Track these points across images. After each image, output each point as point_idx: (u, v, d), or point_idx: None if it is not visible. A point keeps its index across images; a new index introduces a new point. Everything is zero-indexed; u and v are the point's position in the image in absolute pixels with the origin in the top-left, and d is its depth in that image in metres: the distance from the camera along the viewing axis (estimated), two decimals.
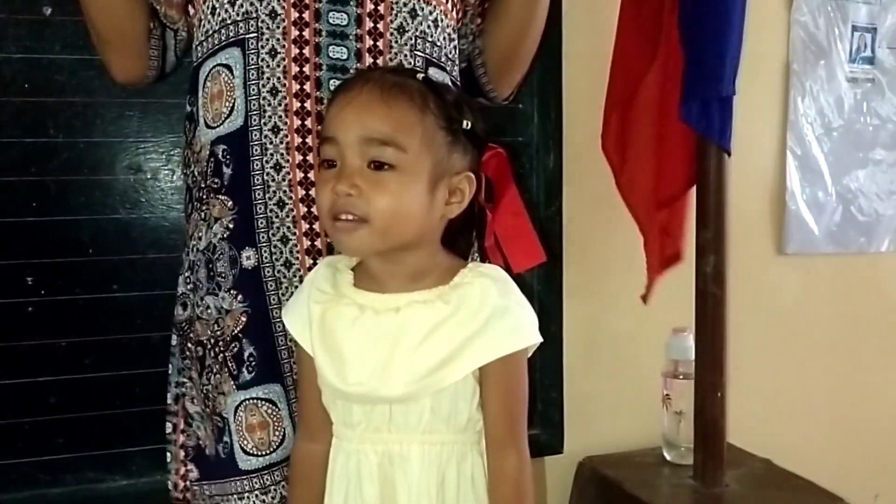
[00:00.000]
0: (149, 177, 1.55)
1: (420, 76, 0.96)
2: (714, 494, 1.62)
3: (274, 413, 1.09)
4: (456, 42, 1.19)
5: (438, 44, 1.13)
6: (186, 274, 1.17)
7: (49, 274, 1.49)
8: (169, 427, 1.23)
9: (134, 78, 1.23)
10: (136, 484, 1.56)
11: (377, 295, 0.95)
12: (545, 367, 1.81)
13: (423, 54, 1.12)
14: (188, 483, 1.18)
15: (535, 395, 1.81)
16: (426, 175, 0.92)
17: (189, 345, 1.16)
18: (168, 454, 1.24)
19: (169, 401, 1.23)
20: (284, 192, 1.07)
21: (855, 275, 2.06)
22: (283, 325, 1.06)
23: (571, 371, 1.82)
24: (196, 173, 1.14)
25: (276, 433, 1.09)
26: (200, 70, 1.11)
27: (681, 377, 1.75)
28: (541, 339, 0.96)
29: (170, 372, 1.23)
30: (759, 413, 1.88)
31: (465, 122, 0.94)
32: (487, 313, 0.93)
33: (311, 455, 1.02)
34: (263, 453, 1.09)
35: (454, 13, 1.17)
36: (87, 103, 1.50)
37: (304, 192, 1.07)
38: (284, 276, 1.08)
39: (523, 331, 0.95)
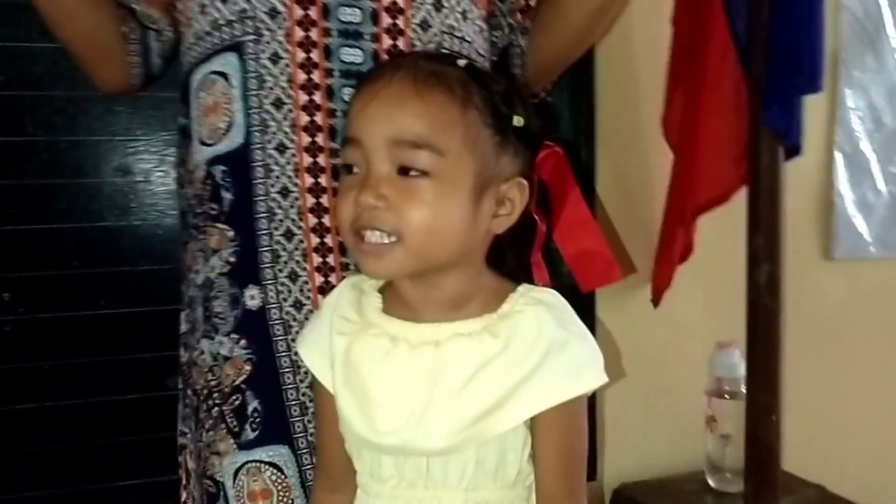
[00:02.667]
0: (139, 179, 1.42)
1: (462, 63, 0.80)
2: None
3: (279, 481, 0.93)
4: (486, 34, 1.03)
5: (468, 39, 0.98)
6: (186, 311, 1.02)
7: (28, 289, 1.37)
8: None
9: (118, 88, 1.07)
10: None
11: (412, 325, 0.80)
12: None
13: (450, 52, 0.96)
14: None
15: None
16: (468, 183, 0.76)
17: (189, 391, 1.01)
18: None
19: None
20: (293, 220, 0.92)
21: None
22: (293, 376, 0.92)
23: (606, 390, 1.68)
24: (191, 196, 0.98)
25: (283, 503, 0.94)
26: (191, 78, 0.96)
27: (727, 396, 1.61)
28: (606, 380, 0.80)
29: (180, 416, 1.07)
30: (807, 434, 1.74)
31: (515, 119, 0.79)
32: (543, 349, 0.78)
33: None
34: None
35: (485, 1, 1.02)
36: (70, 98, 1.37)
37: (315, 221, 0.92)
38: (294, 319, 0.93)
39: (585, 371, 0.79)
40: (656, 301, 1.61)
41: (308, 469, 0.93)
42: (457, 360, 0.78)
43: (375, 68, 0.87)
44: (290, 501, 0.94)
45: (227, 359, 0.94)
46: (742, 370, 1.57)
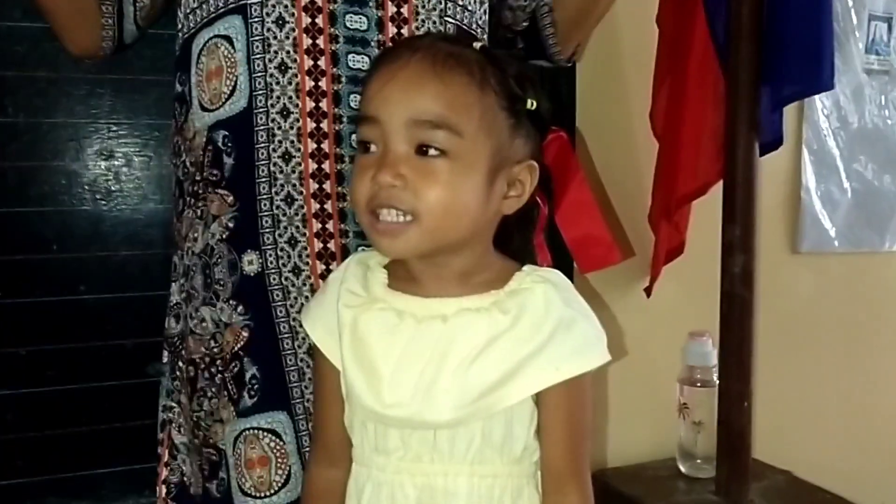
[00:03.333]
0: (122, 164, 1.40)
1: (478, 45, 0.81)
2: None
3: (277, 447, 0.93)
4: (486, 6, 1.04)
5: (470, 8, 0.99)
6: (181, 281, 1.00)
7: (7, 273, 1.35)
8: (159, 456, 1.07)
9: (87, 51, 1.04)
10: None
11: (419, 299, 0.81)
12: None
13: (453, 20, 0.98)
14: None
15: None
16: (484, 164, 0.77)
17: (180, 363, 1.00)
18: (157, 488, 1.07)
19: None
20: (294, 185, 0.92)
21: (869, 274, 1.98)
22: (292, 342, 0.92)
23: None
24: (189, 164, 0.97)
25: (280, 471, 0.94)
26: (193, 43, 0.95)
27: (699, 385, 1.64)
28: (609, 358, 0.82)
29: (160, 394, 1.06)
30: (775, 421, 1.78)
31: (529, 102, 0.80)
32: (552, 326, 0.79)
33: (330, 483, 0.87)
34: (263, 495, 0.93)
35: None
36: (52, 79, 1.34)
37: (316, 186, 0.92)
38: (293, 285, 0.93)
39: (591, 348, 0.82)
40: (648, 291, 1.66)
41: (305, 435, 0.93)
42: (465, 334, 0.79)
43: (391, 48, 0.87)
44: (288, 468, 0.94)
45: (227, 325, 0.93)
46: (714, 359, 1.61)
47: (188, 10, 0.95)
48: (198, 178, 0.96)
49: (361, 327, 0.80)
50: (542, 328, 0.79)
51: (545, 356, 0.79)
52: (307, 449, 0.93)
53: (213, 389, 0.95)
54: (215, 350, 0.95)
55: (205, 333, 0.96)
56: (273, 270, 0.92)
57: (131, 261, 1.39)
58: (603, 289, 1.74)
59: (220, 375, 0.94)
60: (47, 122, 1.34)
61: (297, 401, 0.94)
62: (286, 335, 0.93)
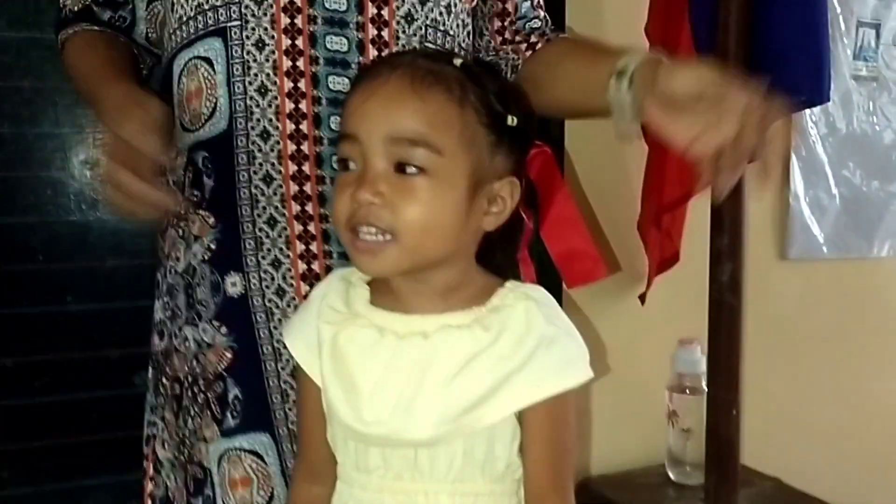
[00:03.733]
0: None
1: (458, 62, 0.81)
2: None
3: (259, 468, 0.93)
4: (470, 29, 1.04)
5: (451, 33, 0.99)
6: (165, 299, 1.00)
7: None
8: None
9: None
10: None
11: (400, 316, 0.81)
12: None
13: (434, 45, 0.97)
14: None
15: None
16: (464, 181, 0.77)
17: (164, 380, 1.00)
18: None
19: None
20: (276, 207, 0.92)
21: (857, 281, 1.99)
22: (275, 364, 0.92)
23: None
24: (171, 182, 0.97)
25: (262, 492, 0.94)
26: (175, 63, 0.95)
27: (688, 392, 1.65)
28: (592, 375, 0.82)
29: (145, 408, 1.05)
30: (763, 428, 1.79)
31: (510, 119, 0.80)
32: (533, 344, 0.79)
33: (314, 499, 0.87)
34: None
35: None
36: (38, 89, 1.35)
37: (298, 208, 0.92)
38: (277, 306, 0.93)
39: (573, 366, 0.81)
40: (642, 299, 1.66)
41: (289, 457, 0.93)
42: (446, 351, 0.78)
43: (371, 65, 0.87)
44: (271, 489, 0.93)
45: (209, 346, 0.93)
46: (703, 366, 1.62)
47: (171, 31, 0.96)
48: (179, 197, 0.95)
49: (341, 344, 0.80)
50: (524, 345, 0.78)
51: (526, 374, 0.78)
52: (291, 471, 0.93)
53: (196, 408, 0.95)
54: (198, 370, 0.95)
55: (188, 353, 0.96)
56: (257, 293, 0.92)
57: (118, 271, 1.39)
58: (592, 297, 1.73)
59: (202, 395, 0.94)
60: (33, 132, 1.35)
61: (281, 422, 0.93)
62: (269, 357, 0.92)
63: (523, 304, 0.80)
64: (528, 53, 1.05)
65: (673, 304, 1.72)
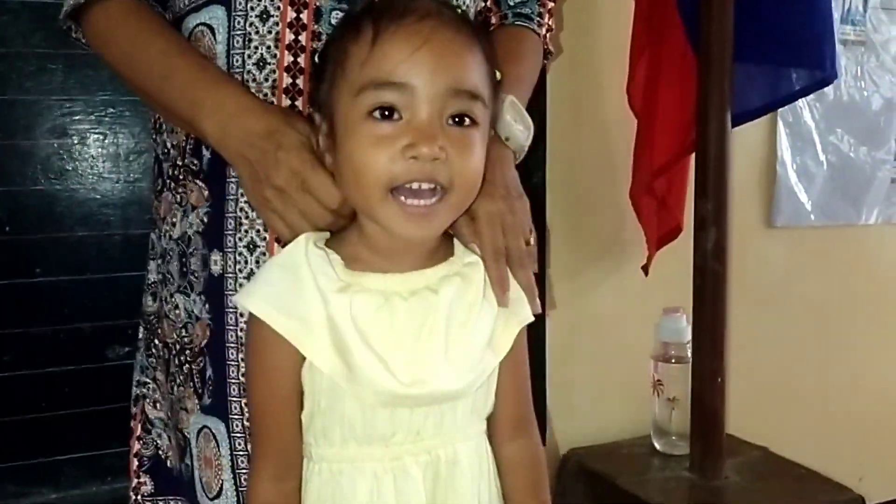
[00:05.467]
0: (76, 142, 1.35)
1: (461, 12, 0.78)
2: (714, 488, 1.51)
3: (216, 455, 0.89)
4: (479, 1, 0.99)
5: (464, 5, 0.93)
6: (158, 262, 0.96)
7: None
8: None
9: None
10: (66, 497, 1.37)
11: (395, 276, 0.77)
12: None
13: None
14: (139, 498, 0.99)
15: None
16: (487, 134, 0.77)
17: (156, 342, 0.96)
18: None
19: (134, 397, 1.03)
20: None
21: (845, 248, 1.97)
22: (236, 353, 0.86)
23: (554, 356, 1.69)
24: (170, 145, 0.92)
25: (217, 479, 0.89)
26: (182, 26, 0.89)
27: (673, 361, 1.63)
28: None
29: (134, 368, 1.02)
30: (750, 397, 1.78)
31: (497, 73, 0.78)
32: None
33: (285, 497, 0.79)
34: (210, 495, 0.90)
35: None
36: (1, 55, 1.29)
37: None
38: None
39: (523, 296, 0.83)
40: (645, 270, 1.65)
41: (241, 455, 0.87)
42: (455, 301, 0.77)
43: (385, 3, 0.76)
44: (221, 481, 0.88)
45: (197, 318, 0.90)
46: (688, 335, 1.60)
47: None
48: (178, 162, 0.91)
49: (356, 311, 0.75)
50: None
51: (507, 308, 0.80)
52: (242, 470, 0.87)
53: (181, 377, 0.92)
54: (185, 340, 0.91)
55: (177, 321, 0.92)
56: (230, 275, 0.87)
57: (87, 242, 1.35)
58: (577, 266, 1.72)
59: (187, 365, 0.91)
60: None
61: (236, 416, 0.87)
62: (233, 345, 0.87)
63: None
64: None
65: (658, 273, 1.70)
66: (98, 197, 1.36)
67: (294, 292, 0.75)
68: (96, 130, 1.35)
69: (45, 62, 1.31)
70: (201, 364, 0.89)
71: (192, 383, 0.90)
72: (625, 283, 1.70)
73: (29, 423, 1.34)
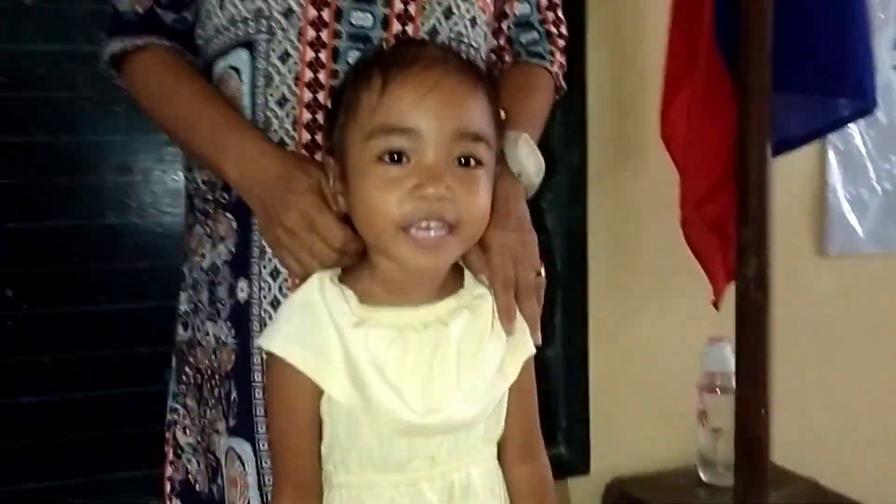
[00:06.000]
0: (139, 178, 1.44)
1: (465, 57, 0.84)
2: None
3: (241, 475, 0.94)
4: (491, 40, 1.05)
5: (475, 45, 0.99)
6: (189, 292, 1.03)
7: (31, 286, 1.40)
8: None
9: None
10: None
11: (406, 310, 0.81)
12: (569, 380, 1.69)
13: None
14: None
15: (559, 411, 1.69)
16: (493, 171, 0.82)
17: (187, 369, 1.03)
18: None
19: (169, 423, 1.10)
20: None
21: None
22: (261, 376, 0.91)
23: (597, 384, 1.70)
24: (200, 181, 0.99)
25: (242, 498, 0.94)
26: (212, 71, 0.97)
27: (718, 391, 1.62)
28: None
29: (168, 395, 1.09)
30: (800, 428, 1.75)
31: (502, 113, 0.83)
32: None
33: None
34: None
35: (492, 6, 1.03)
36: (71, 98, 1.39)
37: None
38: (270, 317, 0.92)
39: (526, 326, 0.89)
40: (716, 305, 1.60)
41: (267, 473, 0.91)
42: (465, 332, 0.81)
43: (395, 53, 0.82)
44: (248, 499, 0.93)
45: (224, 344, 0.95)
46: (733, 364, 1.58)
47: (206, 39, 0.97)
48: (209, 196, 0.98)
49: (371, 346, 0.79)
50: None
51: (514, 337, 0.85)
52: (268, 487, 0.91)
53: (213, 401, 0.98)
54: (215, 365, 0.97)
55: (209, 347, 0.98)
56: (256, 301, 0.93)
57: (149, 272, 1.44)
58: (622, 293, 1.73)
59: (218, 389, 0.97)
60: (67, 139, 1.39)
61: (262, 436, 0.92)
62: (258, 368, 0.92)
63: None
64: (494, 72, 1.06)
65: (703, 301, 1.69)
66: (160, 230, 1.44)
67: (311, 328, 0.79)
68: (157, 168, 1.44)
69: (111, 106, 1.41)
70: (227, 388, 0.95)
71: (221, 406, 0.95)
72: (669, 312, 1.71)
73: (92, 442, 1.43)
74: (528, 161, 0.92)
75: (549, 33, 1.09)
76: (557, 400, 1.69)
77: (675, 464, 1.71)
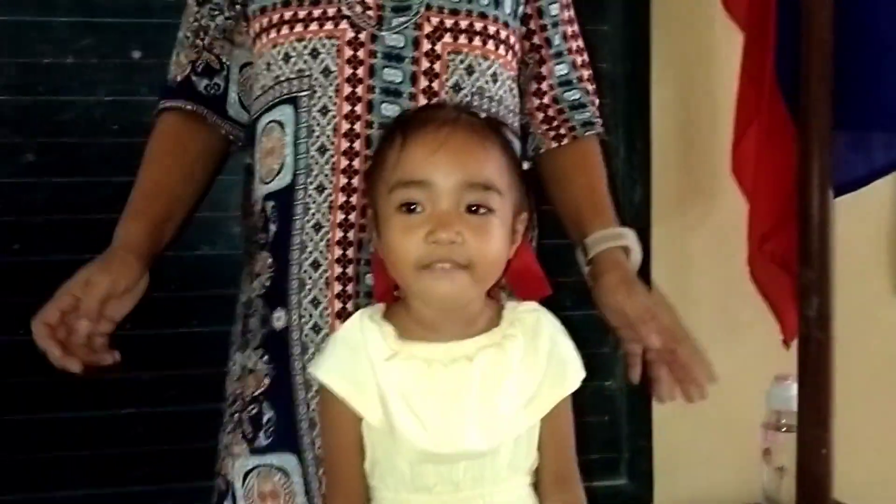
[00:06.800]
0: (230, 215, 1.57)
1: (483, 115, 0.94)
2: None
3: (286, 484, 1.04)
4: (516, 91, 1.14)
5: (496, 97, 1.08)
6: (233, 327, 1.16)
7: (135, 308, 1.53)
8: None
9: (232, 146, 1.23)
10: None
11: (439, 345, 0.90)
12: (633, 412, 1.72)
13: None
14: None
15: (622, 443, 1.72)
16: (509, 217, 0.90)
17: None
18: None
19: None
20: (321, 252, 1.03)
21: None
22: (305, 394, 1.02)
23: (661, 417, 1.72)
24: (249, 227, 1.13)
25: None
26: (258, 124, 1.10)
27: (784, 429, 1.62)
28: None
29: None
30: (870, 469, 1.71)
31: (525, 164, 0.92)
32: (549, 347, 0.92)
33: None
34: None
35: (514, 63, 1.12)
36: None
37: (341, 252, 1.03)
38: (312, 342, 1.03)
39: (576, 362, 0.95)
40: (786, 341, 1.63)
41: (313, 479, 1.02)
42: (489, 369, 0.89)
43: (414, 117, 0.94)
44: None
45: (251, 371, 1.06)
46: None
47: (255, 97, 1.11)
48: (253, 239, 1.11)
49: (398, 377, 0.88)
50: (541, 350, 0.91)
51: (551, 376, 0.91)
52: (314, 494, 1.02)
53: (231, 426, 1.08)
54: (238, 391, 1.08)
55: (234, 375, 1.10)
56: (296, 328, 1.03)
57: (236, 299, 1.57)
58: (689, 328, 1.74)
59: (237, 414, 1.07)
60: None
61: (308, 448, 1.02)
62: (300, 387, 1.03)
63: (532, 315, 0.93)
64: (554, 144, 1.16)
65: (771, 338, 1.69)
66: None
67: (350, 361, 0.90)
68: None
69: None
70: (254, 411, 1.05)
71: (241, 430, 1.05)
72: (734, 348, 1.71)
73: (186, 452, 1.57)
74: (636, 247, 1.08)
75: (587, 91, 1.19)
76: (620, 431, 1.72)
77: (739, 501, 1.70)
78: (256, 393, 1.06)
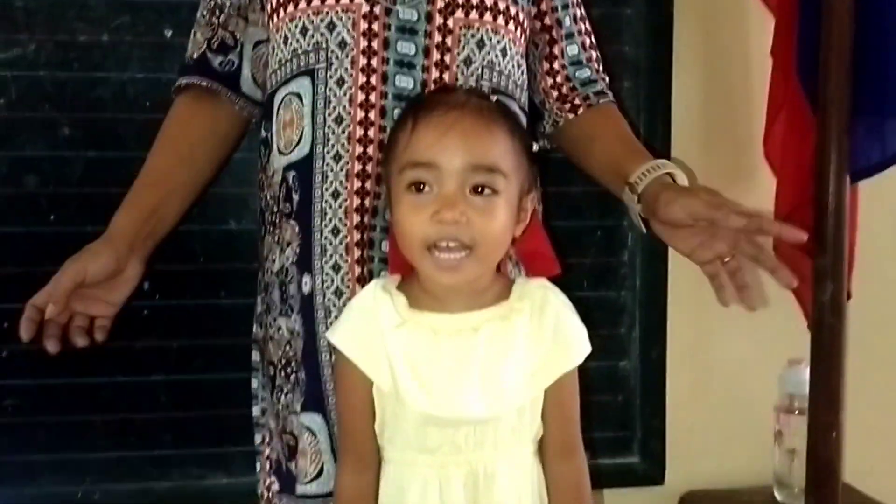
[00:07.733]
0: (255, 191, 1.61)
1: (494, 98, 0.98)
2: None
3: (312, 443, 1.10)
4: (524, 67, 1.18)
5: (506, 72, 1.13)
6: (262, 295, 1.21)
7: (163, 280, 1.58)
8: (258, 438, 1.28)
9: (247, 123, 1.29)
10: (235, 483, 1.63)
11: (447, 315, 0.95)
12: (646, 392, 1.74)
13: (489, 83, 1.11)
14: (270, 495, 1.22)
15: (635, 422, 1.75)
16: (515, 198, 0.94)
17: (265, 362, 1.20)
18: (258, 463, 1.28)
19: (256, 413, 1.28)
20: (340, 219, 1.08)
21: None
22: (329, 356, 1.07)
23: (675, 398, 1.75)
24: (268, 197, 1.18)
25: (313, 465, 1.11)
26: (275, 97, 1.15)
27: (796, 412, 1.64)
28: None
29: (254, 386, 1.27)
30: (880, 453, 1.72)
31: (534, 146, 0.97)
32: (554, 322, 0.96)
33: (361, 489, 1.00)
34: (303, 482, 1.12)
35: (522, 39, 1.16)
36: None
37: (358, 219, 1.08)
38: (334, 305, 1.09)
39: (582, 336, 0.99)
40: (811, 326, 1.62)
41: (337, 438, 1.07)
42: (494, 341, 0.93)
43: (425, 100, 1.00)
44: (321, 464, 1.11)
45: (298, 334, 1.12)
46: None
47: (272, 71, 1.16)
48: (275, 209, 1.15)
49: (406, 345, 0.94)
50: (547, 324, 0.95)
51: (556, 349, 0.95)
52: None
53: (288, 387, 1.14)
54: (290, 354, 1.14)
55: (281, 339, 1.15)
56: (319, 292, 1.09)
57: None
58: (702, 310, 1.76)
59: (293, 375, 1.13)
60: None
61: (333, 408, 1.09)
62: (324, 349, 1.09)
63: (540, 291, 0.97)
64: (571, 116, 1.21)
65: (785, 322, 1.71)
66: None
67: (362, 328, 0.95)
68: None
69: None
70: (301, 373, 1.10)
71: (298, 389, 1.11)
72: (750, 330, 1.73)
73: (211, 418, 1.63)
74: (680, 173, 1.09)
75: (596, 70, 1.24)
76: (634, 411, 1.75)
77: (750, 482, 1.73)
78: (300, 357, 1.12)
